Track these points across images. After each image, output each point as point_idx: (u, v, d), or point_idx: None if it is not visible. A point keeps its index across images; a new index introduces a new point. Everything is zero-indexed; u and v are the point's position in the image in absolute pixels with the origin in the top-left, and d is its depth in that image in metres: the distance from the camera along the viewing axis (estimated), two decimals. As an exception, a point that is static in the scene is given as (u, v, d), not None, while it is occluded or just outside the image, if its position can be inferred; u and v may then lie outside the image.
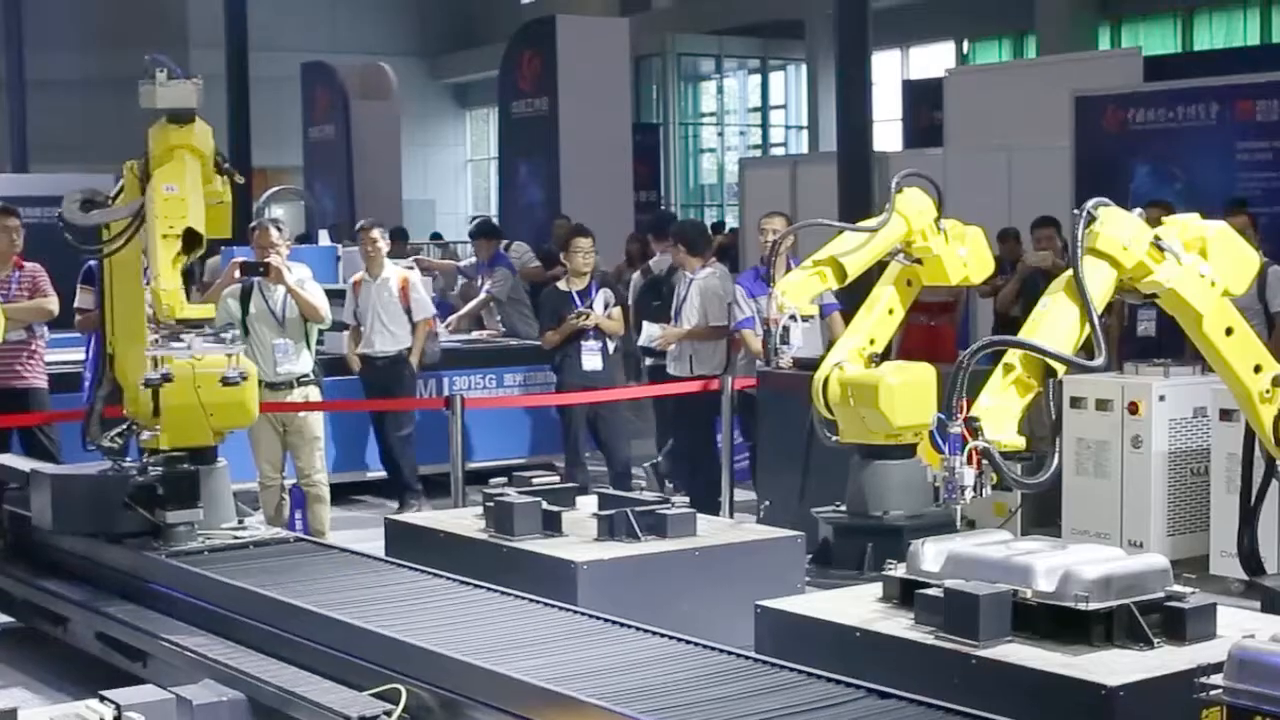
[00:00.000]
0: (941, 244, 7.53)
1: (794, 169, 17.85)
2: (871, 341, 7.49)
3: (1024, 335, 5.37)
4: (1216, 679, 3.80)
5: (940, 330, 11.55)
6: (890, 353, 8.11)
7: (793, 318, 7.20)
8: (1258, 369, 5.58)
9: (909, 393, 7.18)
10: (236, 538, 6.97)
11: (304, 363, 9.29)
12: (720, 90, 33.24)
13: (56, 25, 30.49)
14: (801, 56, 30.55)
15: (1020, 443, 5.14)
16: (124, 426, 7.23)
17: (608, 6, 28.64)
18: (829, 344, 8.19)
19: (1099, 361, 5.28)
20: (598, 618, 5.50)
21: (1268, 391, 5.57)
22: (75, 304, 9.56)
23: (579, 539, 6.65)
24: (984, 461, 4.98)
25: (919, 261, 7.58)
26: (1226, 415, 7.95)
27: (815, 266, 7.45)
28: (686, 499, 7.14)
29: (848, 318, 8.84)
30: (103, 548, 6.97)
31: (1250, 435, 5.80)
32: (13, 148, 26.01)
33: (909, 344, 11.07)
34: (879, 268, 7.80)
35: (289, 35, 30.72)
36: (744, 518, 8.91)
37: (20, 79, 26.43)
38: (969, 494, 4.97)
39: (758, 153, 31.81)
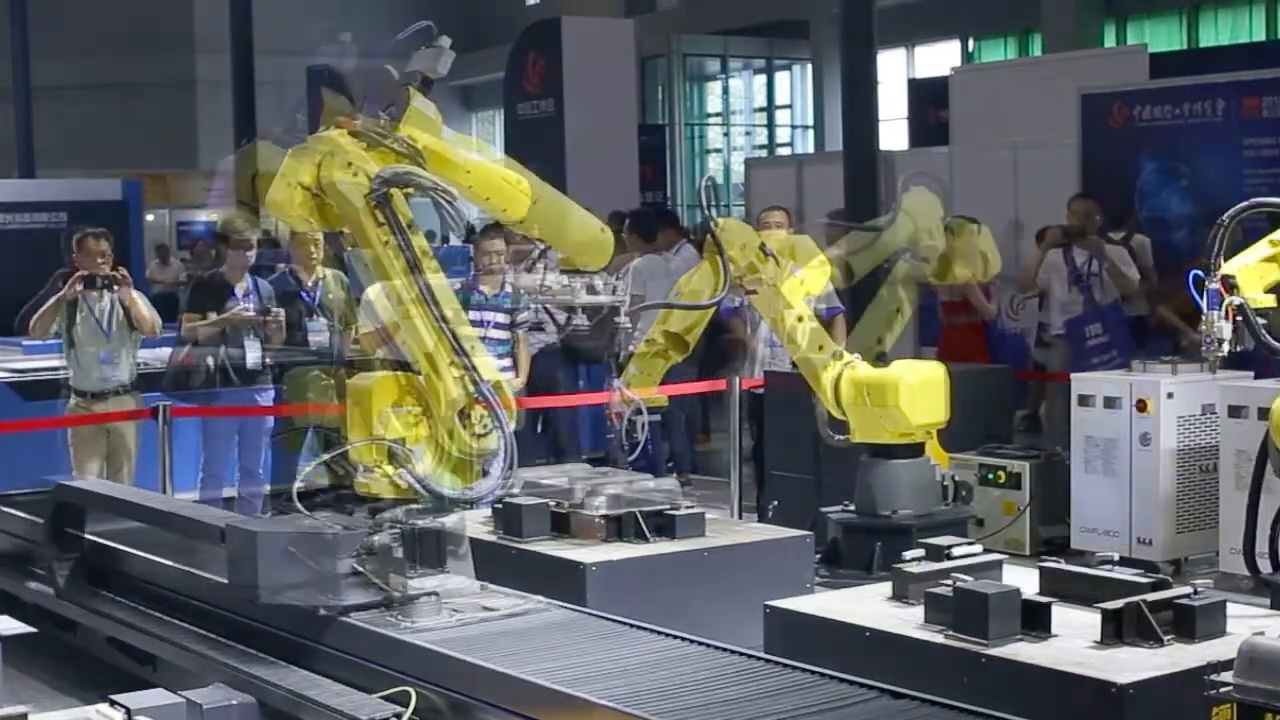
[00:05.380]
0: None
1: (800, 169, 17.81)
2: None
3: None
4: (1227, 676, 3.79)
5: (966, 329, 11.51)
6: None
7: (638, 410, 6.80)
8: None
9: (925, 391, 7.17)
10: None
11: (127, 371, 9.32)
12: (726, 90, 33.23)
13: (62, 30, 30.52)
14: (807, 56, 30.53)
15: (1271, 301, 5.36)
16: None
17: (613, 7, 28.63)
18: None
19: None
20: (607, 619, 5.50)
21: None
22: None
23: (587, 540, 6.64)
24: (1239, 317, 5.21)
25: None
26: (1235, 412, 7.93)
27: (651, 347, 7.12)
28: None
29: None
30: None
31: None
32: (19, 153, 26.04)
33: (942, 345, 11.13)
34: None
35: (294, 39, 30.72)
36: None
37: (26, 84, 26.46)
38: (1225, 347, 5.23)
39: (764, 153, 31.80)
